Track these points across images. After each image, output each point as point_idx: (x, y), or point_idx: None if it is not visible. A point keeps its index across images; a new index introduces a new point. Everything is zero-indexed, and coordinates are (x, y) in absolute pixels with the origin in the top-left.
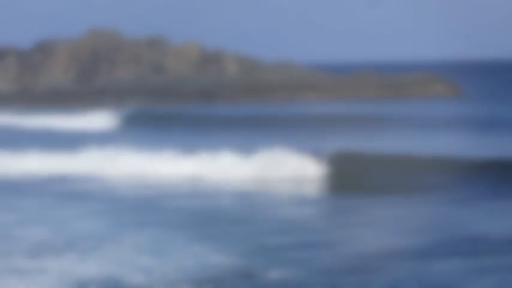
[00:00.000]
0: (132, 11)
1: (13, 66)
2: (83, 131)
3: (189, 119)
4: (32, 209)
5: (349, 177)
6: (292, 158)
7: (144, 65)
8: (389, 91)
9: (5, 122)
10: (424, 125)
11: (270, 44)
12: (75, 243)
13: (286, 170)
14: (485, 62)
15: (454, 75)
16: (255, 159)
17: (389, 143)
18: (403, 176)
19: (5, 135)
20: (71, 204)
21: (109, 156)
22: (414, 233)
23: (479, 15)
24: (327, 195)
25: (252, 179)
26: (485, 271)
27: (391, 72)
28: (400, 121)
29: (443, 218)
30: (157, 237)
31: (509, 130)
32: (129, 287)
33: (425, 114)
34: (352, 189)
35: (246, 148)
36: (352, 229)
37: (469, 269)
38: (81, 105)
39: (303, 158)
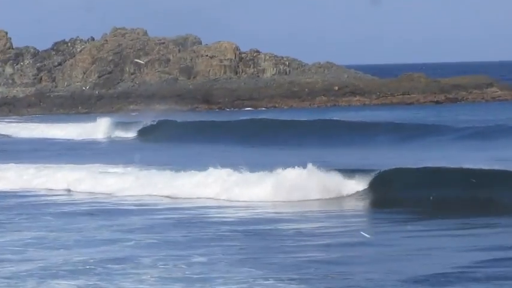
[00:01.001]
0: (160, 9)
1: (30, 69)
2: (96, 141)
3: (217, 128)
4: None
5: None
6: (319, 176)
7: (173, 67)
8: (441, 95)
9: (16, 132)
10: (479, 133)
11: (311, 45)
12: (107, 262)
13: (312, 189)
14: None
15: None
16: (274, 177)
17: (439, 154)
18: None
19: (14, 145)
20: (97, 222)
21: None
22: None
23: None
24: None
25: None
26: None
27: (443, 74)
28: (452, 129)
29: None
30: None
31: None
32: None
33: (482, 121)
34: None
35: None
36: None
37: None
38: (103, 110)
39: (334, 176)
